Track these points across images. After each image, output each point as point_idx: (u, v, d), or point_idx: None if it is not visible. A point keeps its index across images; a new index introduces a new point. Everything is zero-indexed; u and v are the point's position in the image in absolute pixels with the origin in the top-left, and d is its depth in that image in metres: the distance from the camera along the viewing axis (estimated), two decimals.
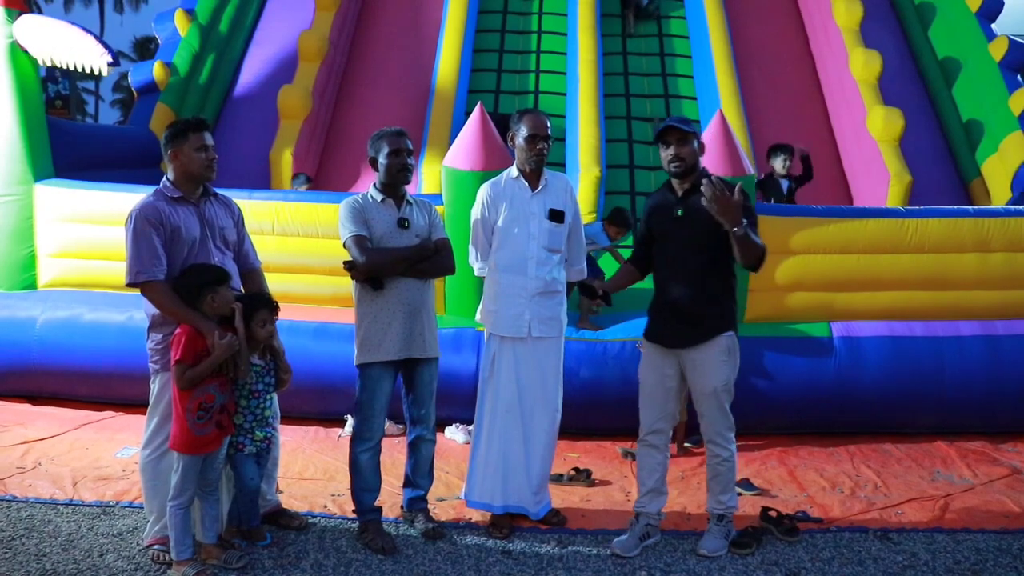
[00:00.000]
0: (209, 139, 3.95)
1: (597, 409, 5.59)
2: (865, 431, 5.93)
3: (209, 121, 9.39)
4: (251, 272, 4.23)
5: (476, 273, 4.50)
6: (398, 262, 4.09)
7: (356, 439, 4.20)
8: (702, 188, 3.77)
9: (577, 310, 5.88)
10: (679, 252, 4.07)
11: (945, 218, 6.12)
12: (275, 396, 4.16)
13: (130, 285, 3.83)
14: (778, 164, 7.66)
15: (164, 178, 3.99)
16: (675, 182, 4.13)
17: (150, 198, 3.89)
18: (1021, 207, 6.55)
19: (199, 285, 3.78)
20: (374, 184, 4.25)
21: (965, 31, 9.89)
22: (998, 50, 9.39)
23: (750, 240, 3.82)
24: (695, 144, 4.04)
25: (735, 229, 3.77)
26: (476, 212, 4.40)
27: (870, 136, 8.82)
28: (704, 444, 4.24)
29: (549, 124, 4.34)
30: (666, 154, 4.04)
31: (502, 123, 7.14)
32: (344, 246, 4.12)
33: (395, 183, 4.18)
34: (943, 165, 9.44)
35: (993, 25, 10.08)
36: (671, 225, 4.09)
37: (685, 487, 4.98)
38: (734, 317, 4.15)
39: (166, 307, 3.79)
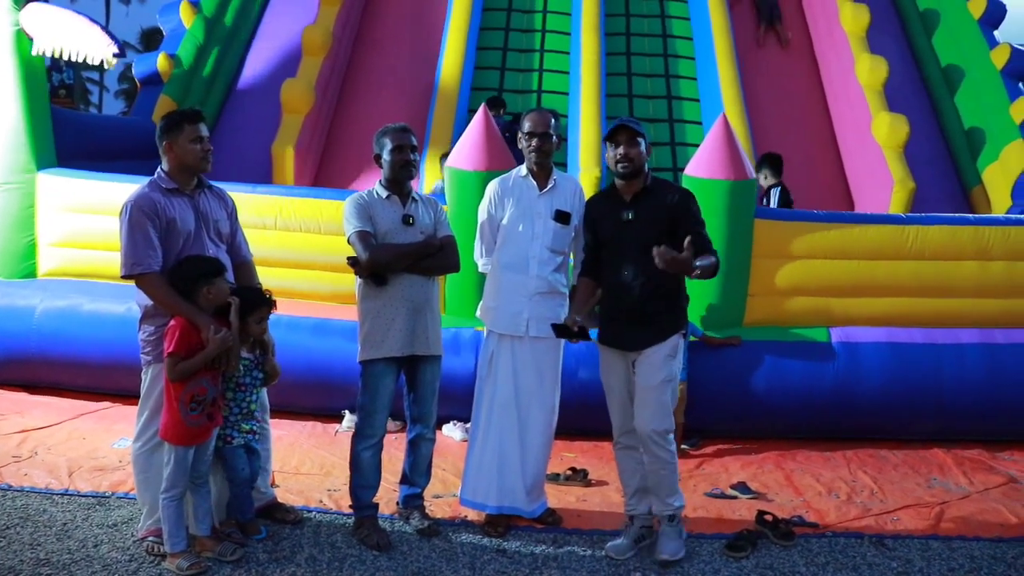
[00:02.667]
0: (204, 131, 3.92)
1: (595, 409, 5.57)
2: (862, 437, 5.93)
3: (212, 114, 9.48)
4: (243, 264, 4.21)
5: (480, 269, 4.50)
6: (402, 258, 4.08)
7: (358, 436, 4.18)
8: (655, 258, 3.72)
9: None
10: (631, 256, 4.00)
11: (946, 226, 6.13)
12: (263, 390, 4.16)
13: (125, 277, 3.81)
14: (760, 178, 7.31)
15: (159, 169, 3.95)
16: (621, 184, 4.08)
17: (145, 189, 3.86)
18: (1022, 216, 6.55)
19: (196, 277, 3.77)
20: (380, 181, 4.24)
21: (968, 38, 9.89)
22: (1000, 58, 9.40)
23: (706, 270, 3.85)
24: (643, 146, 4.02)
25: (694, 274, 3.81)
26: (483, 208, 4.41)
27: (874, 142, 8.82)
28: (644, 448, 4.06)
29: (553, 122, 4.33)
30: (614, 153, 4.00)
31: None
32: (348, 242, 4.11)
33: (398, 179, 4.17)
34: (944, 172, 9.44)
35: (996, 32, 10.09)
36: (621, 229, 4.04)
37: (681, 489, 4.96)
38: (685, 316, 4.17)
39: (161, 299, 3.77)
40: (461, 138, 6.02)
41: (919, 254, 6.08)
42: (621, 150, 3.98)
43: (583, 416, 5.49)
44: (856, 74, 9.37)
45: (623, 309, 4.08)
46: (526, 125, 4.31)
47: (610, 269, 4.13)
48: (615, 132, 4.00)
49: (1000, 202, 8.50)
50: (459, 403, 5.54)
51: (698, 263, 3.77)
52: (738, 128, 8.51)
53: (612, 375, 4.18)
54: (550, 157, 4.34)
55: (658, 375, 3.99)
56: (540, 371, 4.33)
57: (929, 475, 5.37)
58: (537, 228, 4.29)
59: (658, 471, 4.03)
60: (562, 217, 4.30)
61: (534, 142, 4.27)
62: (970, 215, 6.94)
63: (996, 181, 8.69)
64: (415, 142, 4.21)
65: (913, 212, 8.01)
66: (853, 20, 9.68)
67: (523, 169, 4.40)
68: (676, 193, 4.08)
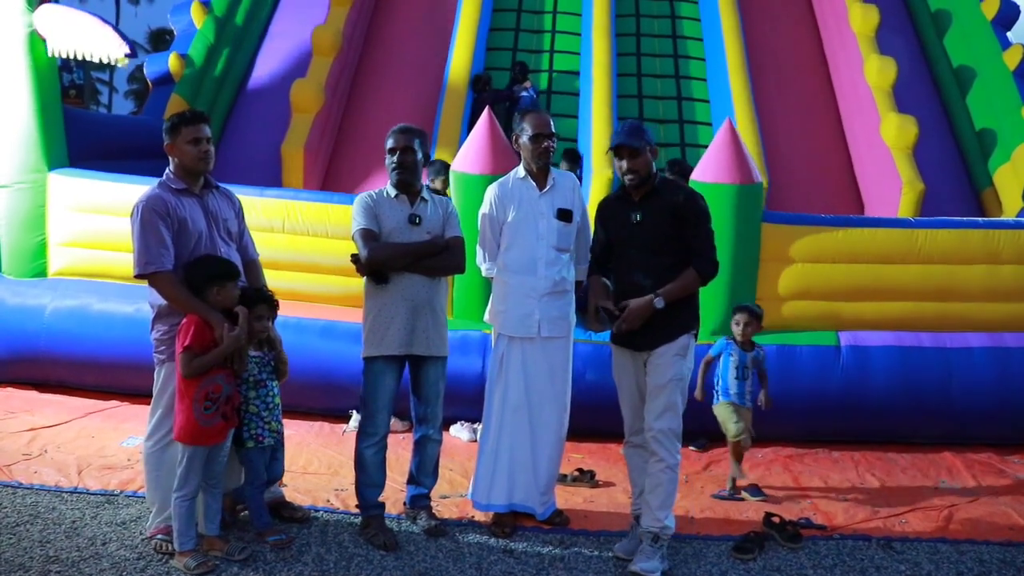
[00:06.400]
0: (205, 131, 3.93)
1: (602, 411, 5.58)
2: (871, 440, 5.91)
3: (222, 113, 9.51)
4: (250, 263, 4.23)
5: (484, 274, 4.50)
6: (401, 257, 4.09)
7: (361, 435, 4.20)
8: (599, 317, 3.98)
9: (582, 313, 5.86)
10: (641, 256, 4.03)
11: (955, 229, 6.09)
12: (278, 387, 4.18)
13: (139, 276, 3.83)
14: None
15: (167, 169, 3.99)
16: (630, 187, 4.11)
17: (155, 189, 3.89)
18: None
19: (208, 276, 3.79)
20: (390, 180, 4.26)
21: (980, 39, 9.85)
22: (1013, 59, 9.35)
23: (677, 293, 3.93)
24: (648, 153, 4.02)
25: (660, 306, 3.89)
26: (484, 212, 4.39)
27: (883, 143, 8.79)
28: (648, 447, 4.06)
29: (552, 122, 4.34)
30: (619, 165, 4.03)
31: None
32: (352, 239, 4.13)
33: (394, 180, 4.19)
34: (955, 174, 9.41)
35: (1008, 34, 10.05)
36: (630, 230, 4.05)
37: (688, 490, 4.97)
38: (697, 318, 4.14)
39: (175, 297, 3.79)
40: (466, 142, 6.03)
41: (928, 258, 6.04)
42: (625, 164, 4.01)
43: (591, 417, 5.48)
44: (865, 75, 9.34)
45: None
46: (530, 128, 4.28)
47: (621, 270, 4.14)
48: (616, 150, 4.01)
49: (1011, 204, 8.46)
50: (467, 403, 5.55)
51: (661, 291, 3.89)
52: (748, 130, 8.51)
53: (623, 375, 4.18)
54: (552, 157, 4.36)
55: (667, 373, 3.98)
56: (552, 371, 4.33)
57: (938, 478, 5.35)
58: (541, 228, 4.29)
59: (658, 474, 3.96)
60: (564, 215, 4.31)
61: (544, 144, 4.27)
62: (980, 218, 6.90)
63: (1007, 183, 8.65)
64: (415, 143, 4.19)
65: (924, 214, 7.99)
66: (862, 21, 9.65)
67: (520, 170, 4.39)
68: (682, 193, 4.08)
